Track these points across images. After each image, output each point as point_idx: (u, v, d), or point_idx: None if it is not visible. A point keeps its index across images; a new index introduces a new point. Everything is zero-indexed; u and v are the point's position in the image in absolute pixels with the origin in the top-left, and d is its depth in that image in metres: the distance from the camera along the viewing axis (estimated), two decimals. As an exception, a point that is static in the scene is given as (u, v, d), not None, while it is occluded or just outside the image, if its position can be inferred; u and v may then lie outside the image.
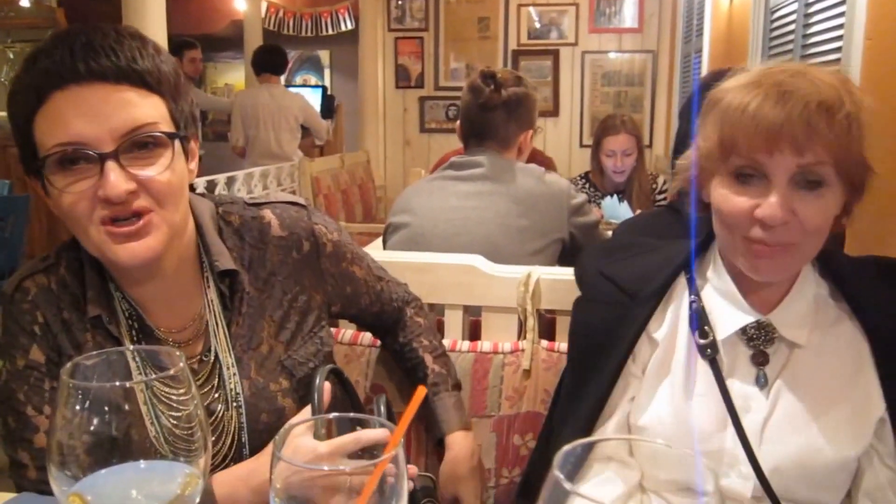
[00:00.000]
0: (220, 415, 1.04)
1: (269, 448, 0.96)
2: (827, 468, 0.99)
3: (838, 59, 2.43)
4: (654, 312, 1.11)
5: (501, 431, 1.53)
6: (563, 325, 1.56)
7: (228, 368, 1.04)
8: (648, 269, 1.14)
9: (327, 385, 0.99)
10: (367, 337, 1.51)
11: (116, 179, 0.88)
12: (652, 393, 1.09)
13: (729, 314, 1.05)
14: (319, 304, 1.16)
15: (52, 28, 6.21)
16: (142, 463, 0.59)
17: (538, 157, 3.73)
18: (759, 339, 1.04)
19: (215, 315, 1.06)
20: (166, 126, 0.95)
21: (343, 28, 6.89)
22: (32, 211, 5.91)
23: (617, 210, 3.09)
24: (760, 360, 1.04)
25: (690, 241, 1.13)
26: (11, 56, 6.40)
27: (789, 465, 1.00)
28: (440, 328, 1.64)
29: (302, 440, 0.77)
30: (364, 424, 0.57)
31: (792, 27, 3.00)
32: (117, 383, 0.53)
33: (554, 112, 6.81)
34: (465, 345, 1.56)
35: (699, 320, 1.07)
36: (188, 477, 0.61)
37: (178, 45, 5.90)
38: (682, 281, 1.12)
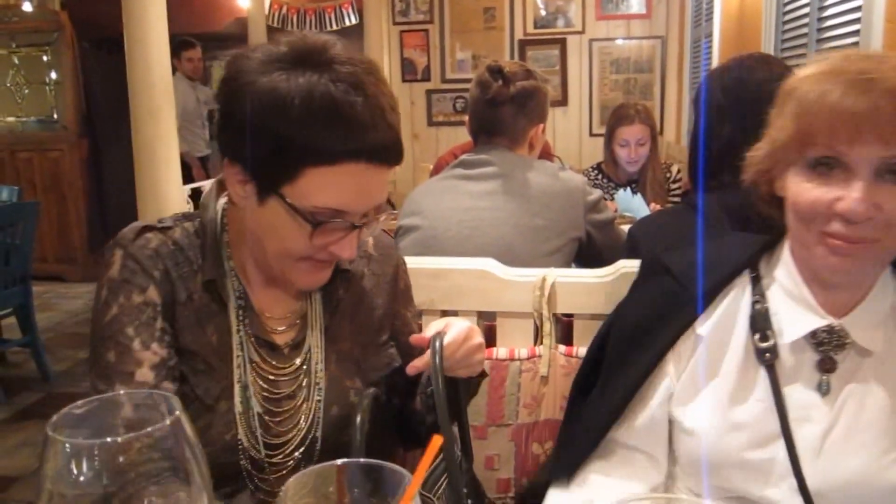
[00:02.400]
0: (300, 403, 1.10)
1: None
2: (884, 491, 0.93)
3: (856, 43, 2.36)
4: (705, 309, 1.06)
5: (520, 440, 1.49)
6: (580, 330, 1.52)
7: (317, 364, 1.11)
8: (707, 261, 1.08)
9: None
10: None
11: (354, 244, 1.02)
12: (696, 393, 1.04)
13: (799, 317, 0.99)
14: (388, 324, 1.23)
15: (57, 31, 6.20)
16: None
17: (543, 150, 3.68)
18: (829, 345, 0.98)
19: (317, 309, 1.14)
20: None
21: (347, 23, 6.83)
22: (42, 216, 5.93)
23: (630, 203, 3.02)
24: (827, 366, 0.98)
25: (757, 237, 1.09)
26: (17, 61, 6.38)
27: (845, 483, 0.95)
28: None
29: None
30: (378, 472, 0.53)
31: (807, 10, 2.92)
32: (108, 439, 0.49)
33: (563, 101, 6.74)
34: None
35: (761, 323, 1.01)
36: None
37: (175, 45, 5.87)
38: (744, 279, 1.06)
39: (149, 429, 0.52)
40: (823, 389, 0.98)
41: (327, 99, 0.92)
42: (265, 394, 1.08)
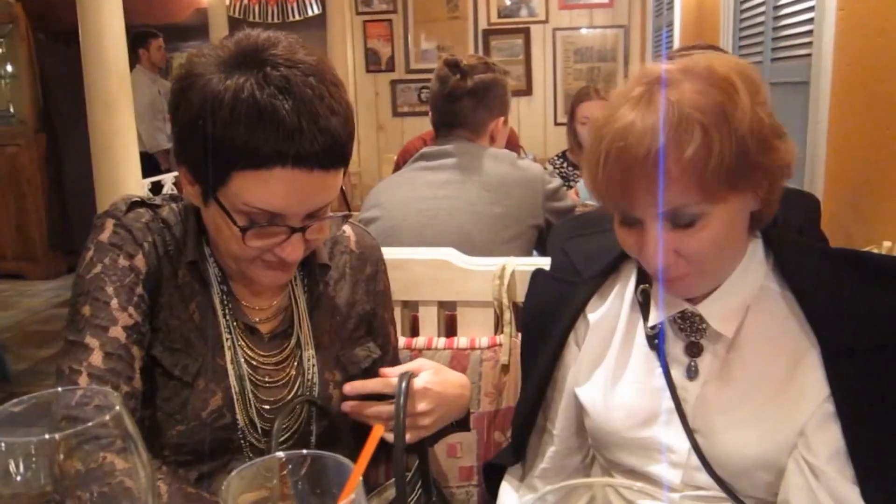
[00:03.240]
0: (288, 397, 1.11)
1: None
2: (752, 463, 0.96)
3: (810, 31, 2.40)
4: (594, 294, 1.11)
5: (482, 428, 1.49)
6: (540, 317, 1.53)
7: (309, 360, 1.14)
8: (601, 249, 1.12)
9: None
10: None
11: (297, 247, 1.00)
12: (588, 374, 1.09)
13: (663, 301, 1.03)
14: (367, 320, 1.24)
15: (11, 23, 6.05)
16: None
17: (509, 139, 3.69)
18: (688, 330, 1.03)
19: (302, 307, 1.15)
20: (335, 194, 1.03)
21: (310, 13, 6.76)
22: (0, 213, 5.82)
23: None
24: (692, 351, 1.03)
25: None
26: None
27: (717, 459, 0.98)
28: (415, 325, 1.60)
29: None
30: (322, 462, 0.53)
31: (763, -2, 2.96)
32: (46, 436, 0.49)
33: (527, 91, 6.75)
34: (442, 341, 1.52)
35: (647, 307, 1.05)
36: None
37: (142, 35, 5.79)
38: (630, 265, 1.11)
39: (89, 424, 0.52)
40: (691, 372, 1.02)
41: (251, 102, 0.91)
42: (253, 377, 1.09)
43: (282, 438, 1.09)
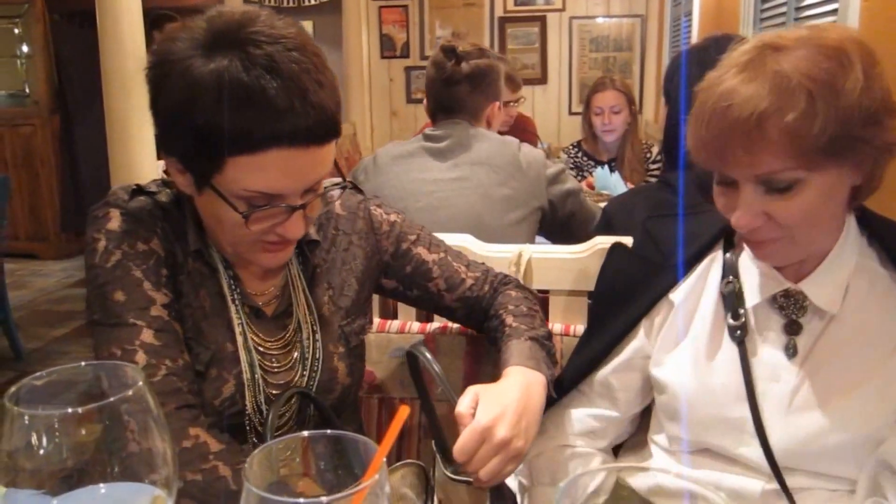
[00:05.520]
0: (294, 379, 1.10)
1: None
2: (844, 444, 0.96)
3: (834, 21, 2.36)
4: (679, 281, 1.11)
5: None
6: (555, 305, 1.52)
7: (308, 338, 1.12)
8: (689, 235, 1.12)
9: None
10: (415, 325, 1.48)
11: (299, 224, 1.00)
12: (669, 355, 1.09)
13: (761, 283, 1.03)
14: (371, 277, 1.22)
15: (27, 3, 6.06)
16: (101, 487, 0.54)
17: (520, 120, 3.68)
18: (790, 308, 1.02)
19: (298, 286, 1.14)
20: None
21: (325, -3, 6.74)
22: (14, 193, 5.83)
23: (608, 181, 3.03)
24: (792, 329, 1.02)
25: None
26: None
27: (809, 438, 0.98)
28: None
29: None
30: (344, 442, 0.52)
31: (784, -12, 2.92)
32: (69, 410, 0.48)
33: (542, 79, 6.71)
34: (456, 327, 1.51)
35: (731, 301, 1.05)
36: (154, 500, 0.56)
37: (158, 17, 5.77)
38: (716, 251, 1.11)
39: (111, 399, 0.51)
40: (790, 351, 1.01)
41: (238, 86, 0.88)
42: (262, 363, 1.09)
43: (277, 430, 1.09)
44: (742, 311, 1.04)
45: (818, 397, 0.98)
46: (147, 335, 0.97)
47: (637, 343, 1.14)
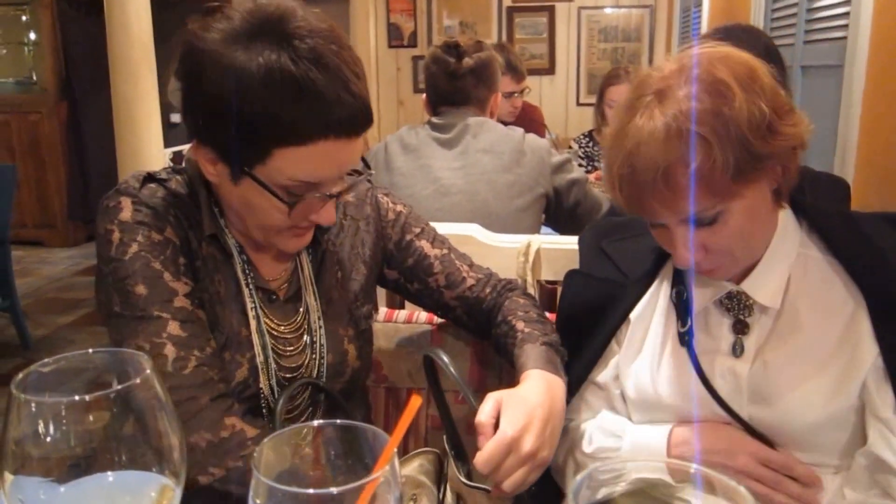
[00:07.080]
0: (306, 362, 1.11)
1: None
2: (809, 428, 0.99)
3: (846, 14, 2.34)
4: (643, 296, 1.13)
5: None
6: (564, 296, 1.51)
7: (315, 322, 1.13)
8: (646, 251, 1.14)
9: None
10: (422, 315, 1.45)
11: (332, 211, 1.03)
12: (629, 364, 1.11)
13: (705, 289, 1.06)
14: (378, 263, 1.23)
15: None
16: (109, 475, 0.54)
17: (527, 110, 3.66)
18: (735, 309, 1.05)
19: (307, 270, 1.15)
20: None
21: (333, -14, 6.73)
22: (21, 181, 5.84)
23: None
24: (738, 329, 1.04)
25: None
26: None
27: (772, 430, 1.00)
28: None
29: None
30: (355, 433, 0.52)
31: (797, -22, 2.89)
32: (76, 397, 0.48)
33: (550, 70, 6.68)
34: (464, 318, 1.51)
35: (684, 310, 1.07)
36: (162, 489, 0.55)
37: (166, 5, 5.76)
38: (669, 264, 1.13)
39: (119, 386, 0.51)
40: (737, 351, 1.03)
41: (289, 79, 0.89)
42: (275, 347, 1.10)
43: (288, 413, 1.10)
44: (689, 317, 1.05)
45: (774, 390, 1.00)
46: (174, 327, 0.98)
47: (616, 359, 1.15)
